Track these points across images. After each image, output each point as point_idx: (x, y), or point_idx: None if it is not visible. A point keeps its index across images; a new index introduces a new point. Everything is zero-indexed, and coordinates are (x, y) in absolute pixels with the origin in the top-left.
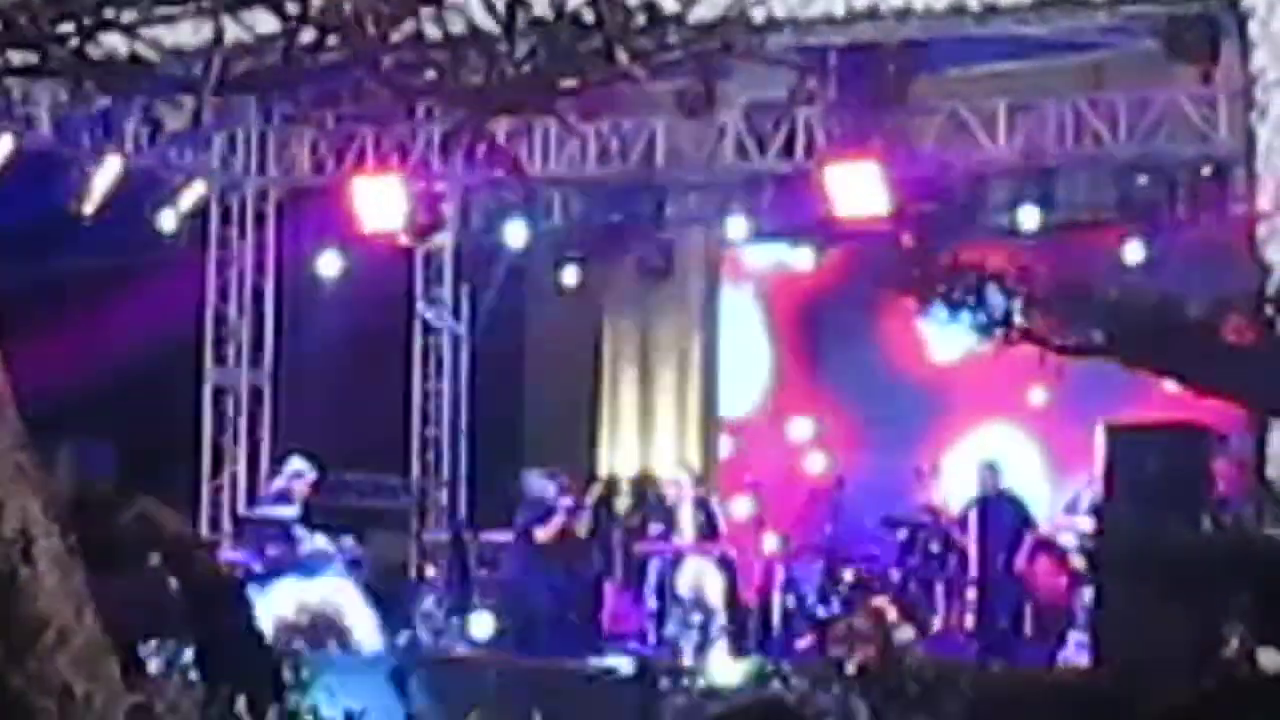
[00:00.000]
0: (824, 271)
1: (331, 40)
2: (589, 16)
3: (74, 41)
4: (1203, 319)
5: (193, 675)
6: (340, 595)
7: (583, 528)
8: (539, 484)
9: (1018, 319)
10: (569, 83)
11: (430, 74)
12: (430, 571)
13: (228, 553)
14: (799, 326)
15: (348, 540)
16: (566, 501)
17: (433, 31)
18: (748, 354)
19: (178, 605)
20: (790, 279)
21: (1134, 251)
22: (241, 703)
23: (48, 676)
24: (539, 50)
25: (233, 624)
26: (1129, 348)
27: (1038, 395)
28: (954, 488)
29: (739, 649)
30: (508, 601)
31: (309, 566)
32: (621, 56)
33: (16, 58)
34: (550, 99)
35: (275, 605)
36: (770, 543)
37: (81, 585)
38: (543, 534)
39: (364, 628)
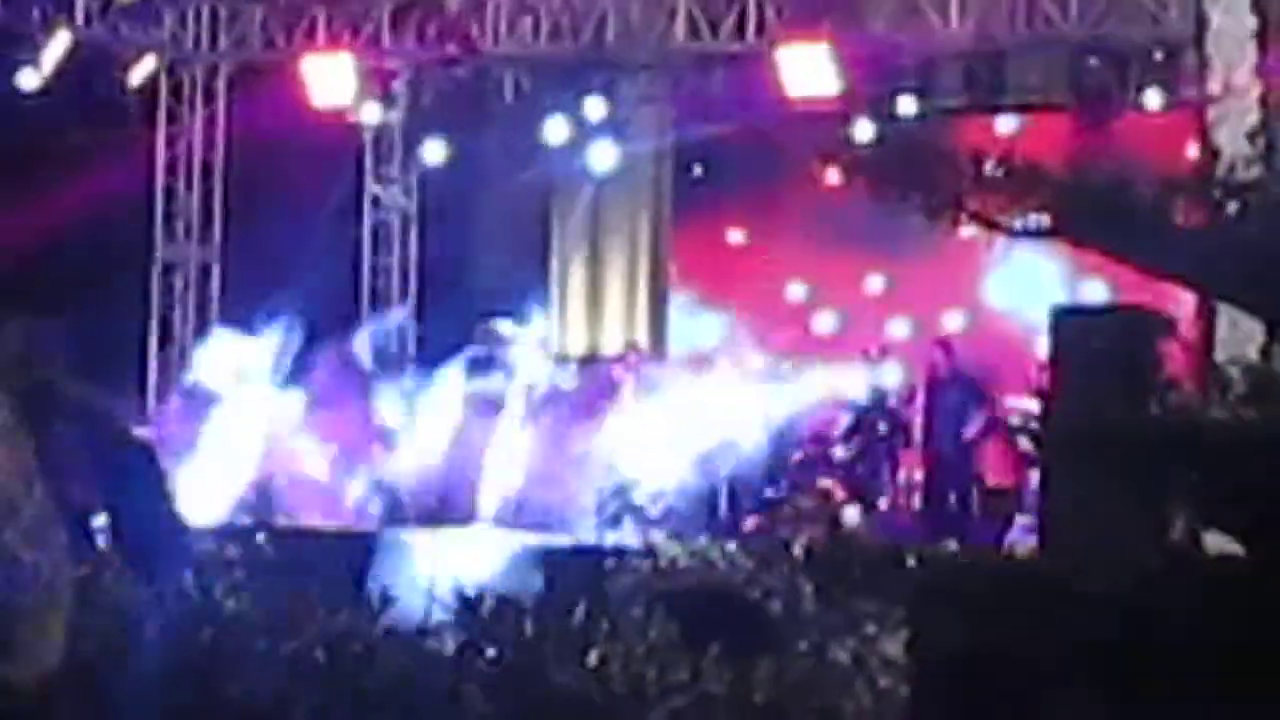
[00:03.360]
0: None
1: None
2: None
3: None
4: (1151, 201)
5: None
6: (289, 467)
7: None
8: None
9: (967, 200)
10: None
11: None
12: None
13: (174, 426)
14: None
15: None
16: None
17: None
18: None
19: (86, 473)
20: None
21: (1081, 133)
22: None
23: None
24: None
25: (139, 492)
26: (1077, 229)
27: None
28: (905, 368)
29: (685, 529)
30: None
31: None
32: None
33: None
34: None
35: (221, 478)
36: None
37: (30, 457)
38: None
39: (313, 501)
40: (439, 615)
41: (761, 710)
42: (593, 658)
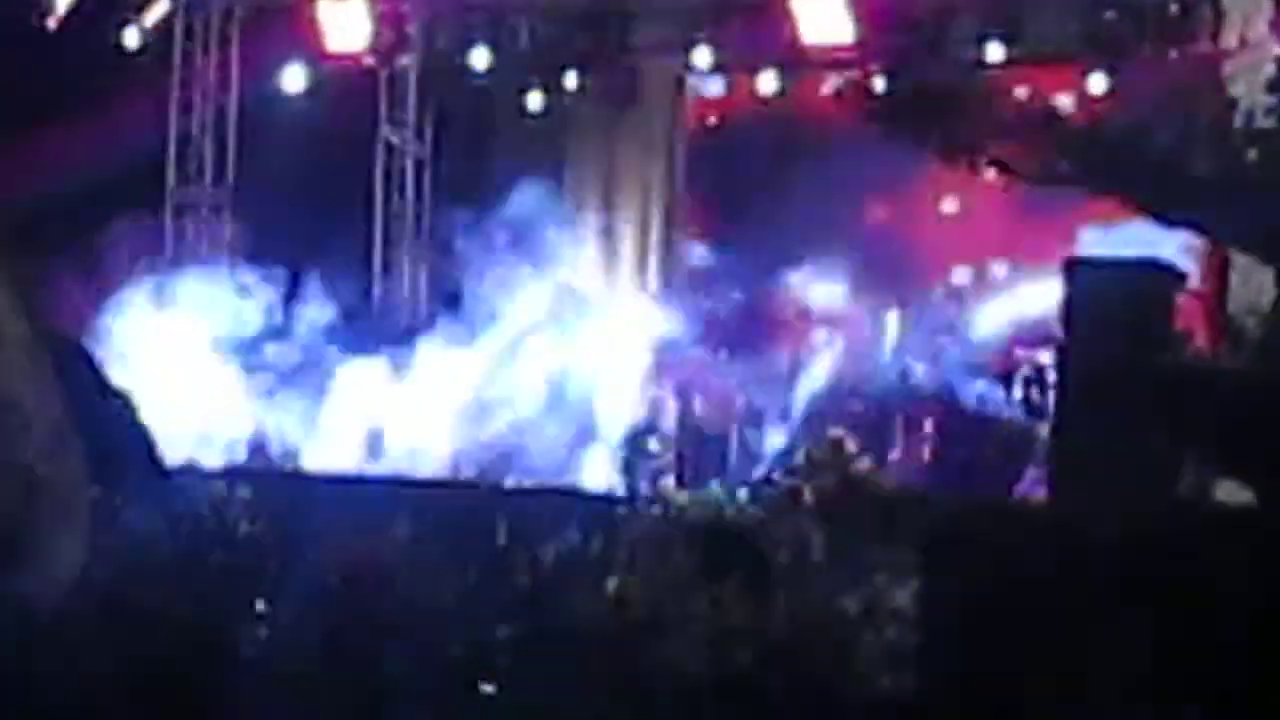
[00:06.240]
0: (789, 101)
1: None
2: None
3: None
4: (1169, 151)
5: None
6: (294, 415)
7: None
8: None
9: (985, 147)
10: None
11: None
12: None
13: None
14: (759, 157)
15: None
16: None
17: None
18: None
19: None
20: (753, 108)
21: (1099, 85)
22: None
23: (11, 460)
24: None
25: (80, 389)
26: (1096, 177)
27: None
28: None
29: (696, 477)
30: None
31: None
32: None
33: None
34: None
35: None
36: (730, 372)
37: (50, 374)
38: None
39: (319, 447)
40: (455, 549)
41: (776, 648)
42: (610, 587)
